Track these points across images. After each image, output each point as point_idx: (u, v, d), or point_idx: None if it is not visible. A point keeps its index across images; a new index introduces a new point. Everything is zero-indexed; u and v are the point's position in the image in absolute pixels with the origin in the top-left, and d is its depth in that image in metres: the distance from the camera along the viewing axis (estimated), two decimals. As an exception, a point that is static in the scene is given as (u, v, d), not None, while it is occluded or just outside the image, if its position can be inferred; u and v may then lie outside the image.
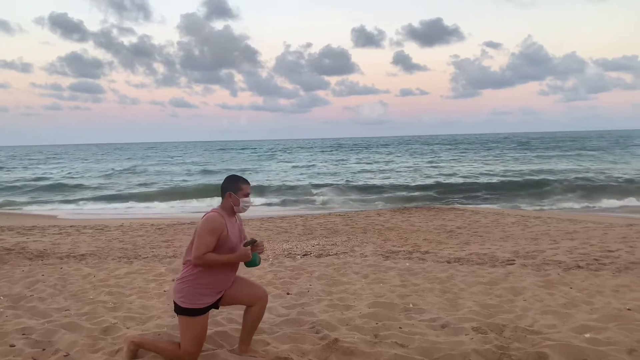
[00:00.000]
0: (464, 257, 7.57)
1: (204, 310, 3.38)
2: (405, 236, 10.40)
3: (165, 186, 28.28)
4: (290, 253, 8.46)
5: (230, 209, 3.49)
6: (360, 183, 27.03)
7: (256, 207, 18.78)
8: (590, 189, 21.21)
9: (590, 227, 10.47)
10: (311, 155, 60.18)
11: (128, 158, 64.35)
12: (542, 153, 47.20)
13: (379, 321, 4.39)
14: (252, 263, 3.45)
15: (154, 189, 27.29)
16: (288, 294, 5.50)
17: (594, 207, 17.02)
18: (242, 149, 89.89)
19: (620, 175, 25.72)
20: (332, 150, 71.73)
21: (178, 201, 21.98)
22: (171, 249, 8.95)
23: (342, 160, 48.10)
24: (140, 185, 29.23)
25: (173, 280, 6.23)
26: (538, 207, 16.97)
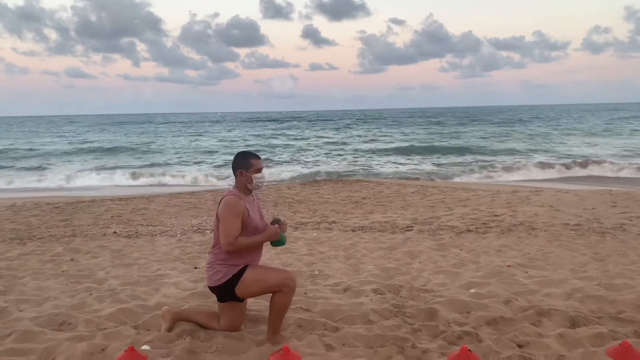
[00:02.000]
0: (367, 225, 7.96)
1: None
2: (314, 208, 10.67)
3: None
4: (199, 228, 8.36)
5: (245, 188, 3.33)
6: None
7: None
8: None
9: (480, 194, 11.42)
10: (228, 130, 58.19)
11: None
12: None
13: (286, 289, 4.54)
14: (279, 242, 3.35)
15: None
16: (195, 267, 5.48)
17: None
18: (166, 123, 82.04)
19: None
20: (246, 124, 70.44)
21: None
22: (70, 228, 8.45)
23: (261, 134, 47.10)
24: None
25: (72, 259, 5.94)
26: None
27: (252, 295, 3.43)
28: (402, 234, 7.11)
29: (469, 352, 2.77)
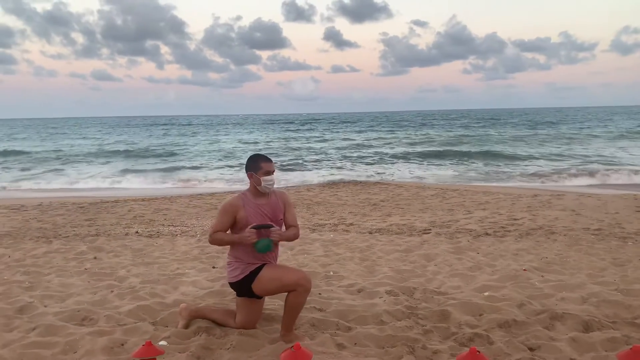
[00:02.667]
0: (384, 227, 7.98)
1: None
2: (332, 209, 10.72)
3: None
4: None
5: (255, 189, 3.47)
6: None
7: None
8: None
9: (501, 198, 11.31)
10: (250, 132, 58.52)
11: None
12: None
13: (301, 289, 4.61)
14: (259, 248, 3.33)
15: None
16: (214, 267, 5.59)
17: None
18: (187, 124, 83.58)
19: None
20: (266, 127, 70.90)
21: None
22: (94, 227, 8.69)
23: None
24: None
25: (95, 258, 6.13)
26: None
27: (268, 293, 3.52)
28: (419, 237, 7.12)
29: (478, 352, 2.79)
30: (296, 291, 3.34)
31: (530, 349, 3.25)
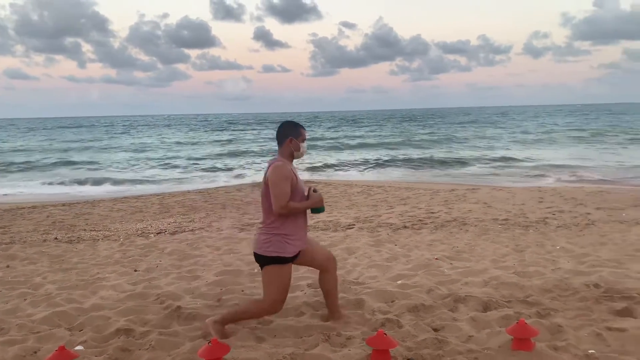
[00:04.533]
0: (311, 225, 8.18)
1: (290, 259, 3.42)
2: (262, 209, 10.80)
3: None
4: (143, 232, 8.33)
5: (290, 156, 3.49)
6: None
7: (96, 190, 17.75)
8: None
9: (421, 193, 11.91)
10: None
11: None
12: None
13: (224, 287, 4.70)
14: (321, 209, 3.50)
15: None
16: (135, 270, 5.53)
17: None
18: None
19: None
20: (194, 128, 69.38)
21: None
22: (8, 235, 8.23)
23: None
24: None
25: (7, 266, 5.84)
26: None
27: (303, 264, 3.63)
28: (343, 232, 7.39)
29: (385, 335, 3.04)
30: (332, 268, 3.65)
31: (435, 330, 3.55)
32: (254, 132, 54.80)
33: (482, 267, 5.13)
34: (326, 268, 3.64)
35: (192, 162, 26.22)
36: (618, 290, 4.12)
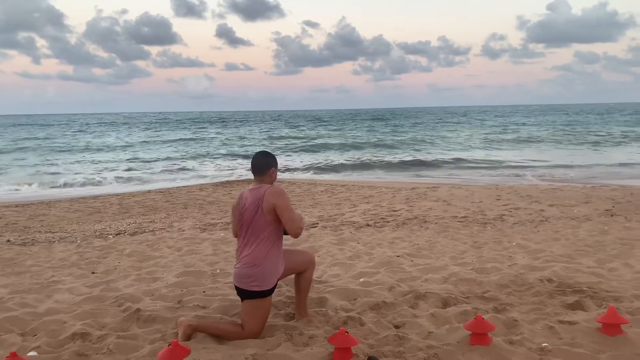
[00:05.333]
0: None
1: (272, 290, 3.46)
2: (226, 209, 10.70)
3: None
4: (102, 233, 8.12)
5: (270, 184, 3.56)
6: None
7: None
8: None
9: (383, 191, 12.07)
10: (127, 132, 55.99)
11: None
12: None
13: (185, 288, 4.63)
14: None
15: None
16: (93, 273, 5.38)
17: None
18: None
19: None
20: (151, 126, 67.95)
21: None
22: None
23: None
24: None
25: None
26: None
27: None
28: (306, 231, 7.40)
29: (346, 333, 3.07)
30: (310, 269, 3.71)
31: (396, 327, 3.60)
32: (217, 130, 54.28)
33: (442, 263, 5.25)
34: (305, 269, 3.72)
35: (152, 161, 25.73)
36: (569, 285, 4.30)
